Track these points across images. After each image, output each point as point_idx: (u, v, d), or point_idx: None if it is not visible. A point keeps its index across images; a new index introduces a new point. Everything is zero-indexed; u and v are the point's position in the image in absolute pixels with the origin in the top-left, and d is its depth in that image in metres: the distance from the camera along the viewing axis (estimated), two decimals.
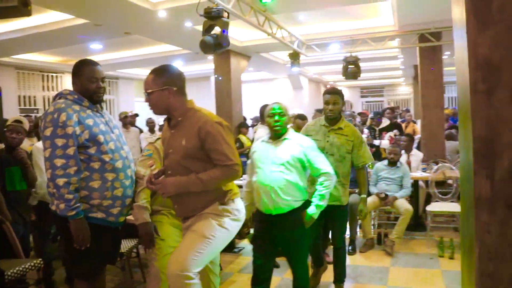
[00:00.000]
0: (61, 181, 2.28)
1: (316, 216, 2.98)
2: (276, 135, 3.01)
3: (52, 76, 10.77)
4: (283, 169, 2.89)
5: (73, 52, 9.26)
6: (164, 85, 2.30)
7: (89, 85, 2.51)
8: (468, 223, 1.74)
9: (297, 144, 2.98)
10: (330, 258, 4.00)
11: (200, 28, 6.72)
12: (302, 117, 5.18)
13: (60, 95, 2.53)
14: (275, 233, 2.96)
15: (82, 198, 2.38)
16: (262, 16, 5.65)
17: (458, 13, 1.75)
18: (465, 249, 1.82)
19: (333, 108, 3.47)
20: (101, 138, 2.44)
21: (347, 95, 19.27)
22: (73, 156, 2.33)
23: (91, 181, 2.40)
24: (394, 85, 19.08)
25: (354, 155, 3.48)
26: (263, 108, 5.20)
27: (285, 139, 3.00)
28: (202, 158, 2.30)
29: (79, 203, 2.34)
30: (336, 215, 3.57)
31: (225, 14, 4.16)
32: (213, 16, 4.10)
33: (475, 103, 1.54)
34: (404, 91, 19.23)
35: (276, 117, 2.97)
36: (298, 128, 4.78)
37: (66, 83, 11.00)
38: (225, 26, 4.11)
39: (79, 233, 2.33)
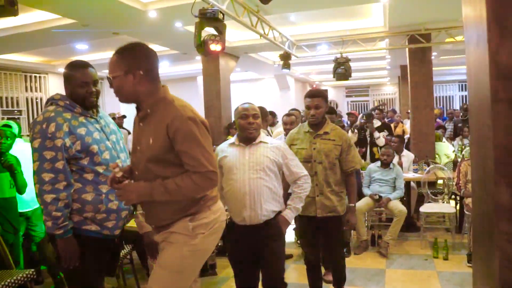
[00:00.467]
0: (49, 197, 2.14)
1: (291, 220, 2.79)
2: (249, 138, 2.74)
3: (35, 76, 10.53)
4: (263, 175, 2.67)
5: (57, 52, 9.07)
6: (129, 68, 1.94)
7: (79, 90, 2.32)
8: (483, 231, 1.73)
9: (274, 147, 2.76)
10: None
11: (190, 28, 6.71)
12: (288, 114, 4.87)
13: (51, 101, 2.38)
14: (251, 244, 2.74)
15: (75, 211, 2.24)
16: (254, 17, 5.60)
17: (473, 16, 1.72)
18: (480, 257, 1.81)
19: (315, 113, 3.13)
20: (95, 148, 2.27)
21: (332, 94, 19.39)
22: (63, 170, 2.18)
23: (84, 193, 2.24)
24: (379, 84, 19.23)
25: (342, 159, 3.19)
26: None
27: (260, 141, 2.76)
28: (172, 162, 1.93)
29: (68, 220, 2.19)
30: (332, 226, 3.26)
31: (220, 15, 4.09)
32: (208, 17, 4.02)
33: (496, 112, 1.51)
34: (389, 90, 19.41)
35: (250, 119, 2.71)
36: (284, 124, 4.67)
37: (50, 84, 10.77)
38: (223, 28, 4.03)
39: (67, 252, 2.19)
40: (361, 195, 5.28)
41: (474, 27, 1.73)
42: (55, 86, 10.85)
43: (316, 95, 3.16)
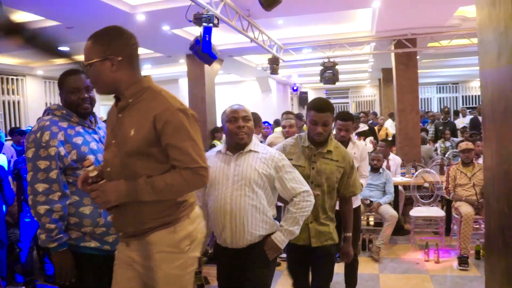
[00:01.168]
0: (42, 209, 2.05)
1: (283, 245, 2.34)
2: (238, 145, 2.36)
3: (12, 79, 10.16)
4: (248, 192, 2.28)
5: (35, 54, 8.81)
6: (106, 54, 1.74)
7: (71, 97, 2.24)
8: (505, 245, 1.73)
9: (265, 157, 2.36)
10: None
11: (177, 32, 6.65)
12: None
13: (47, 111, 2.30)
14: (234, 269, 2.40)
15: (73, 226, 2.14)
16: (245, 21, 5.57)
17: (493, 28, 1.72)
18: (500, 270, 1.81)
19: (322, 131, 2.59)
20: (91, 158, 2.17)
21: (312, 96, 19.50)
22: (57, 180, 2.09)
23: (82, 207, 2.15)
24: (359, 86, 19.48)
25: (342, 183, 2.70)
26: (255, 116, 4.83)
27: (250, 150, 2.37)
28: (154, 157, 1.76)
29: (63, 233, 2.09)
30: (326, 256, 2.72)
31: (216, 20, 4.03)
32: (203, 22, 3.96)
33: None
34: (369, 92, 19.68)
35: (240, 122, 2.34)
36: (283, 127, 4.54)
37: (28, 86, 10.44)
38: (207, 32, 3.96)
39: (62, 267, 2.09)
40: None
41: (494, 39, 1.73)
42: (33, 88, 10.54)
43: (326, 109, 2.61)
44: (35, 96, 10.56)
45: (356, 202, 3.57)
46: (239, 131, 2.33)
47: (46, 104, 10.94)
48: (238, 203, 2.27)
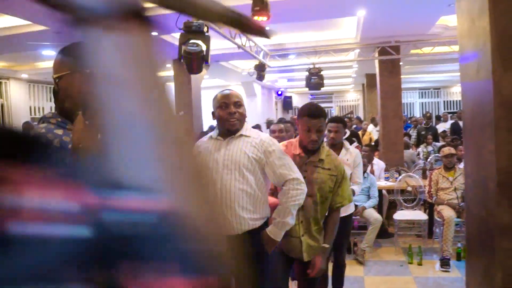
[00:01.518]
0: None
1: (279, 238, 2.28)
2: (230, 131, 2.32)
3: None
4: (238, 176, 2.23)
5: (20, 57, 8.74)
6: (75, 67, 1.79)
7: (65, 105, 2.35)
8: (483, 248, 1.85)
9: (257, 142, 2.31)
10: None
11: (165, 37, 6.69)
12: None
13: (43, 119, 2.35)
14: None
15: None
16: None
17: (474, 42, 1.84)
18: (480, 271, 1.93)
19: (316, 138, 2.49)
20: None
21: (296, 101, 19.65)
22: None
23: None
24: (343, 91, 19.70)
25: (333, 193, 2.58)
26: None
27: (241, 135, 2.33)
28: None
29: None
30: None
31: (205, 29, 4.10)
32: (193, 31, 4.03)
33: (499, 138, 1.64)
34: (352, 97, 19.93)
35: (232, 108, 2.28)
36: (273, 132, 4.61)
37: (12, 90, 10.31)
38: (207, 42, 4.03)
39: None
40: None
41: (473, 54, 1.85)
42: (17, 92, 10.42)
43: (319, 115, 2.51)
44: (19, 99, 10.45)
45: (350, 210, 3.60)
46: (230, 117, 2.27)
47: (30, 107, 10.85)
48: (228, 187, 2.22)
